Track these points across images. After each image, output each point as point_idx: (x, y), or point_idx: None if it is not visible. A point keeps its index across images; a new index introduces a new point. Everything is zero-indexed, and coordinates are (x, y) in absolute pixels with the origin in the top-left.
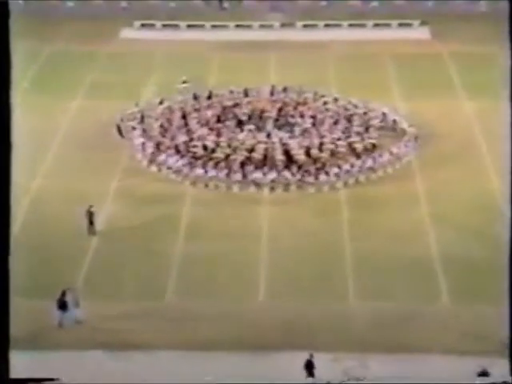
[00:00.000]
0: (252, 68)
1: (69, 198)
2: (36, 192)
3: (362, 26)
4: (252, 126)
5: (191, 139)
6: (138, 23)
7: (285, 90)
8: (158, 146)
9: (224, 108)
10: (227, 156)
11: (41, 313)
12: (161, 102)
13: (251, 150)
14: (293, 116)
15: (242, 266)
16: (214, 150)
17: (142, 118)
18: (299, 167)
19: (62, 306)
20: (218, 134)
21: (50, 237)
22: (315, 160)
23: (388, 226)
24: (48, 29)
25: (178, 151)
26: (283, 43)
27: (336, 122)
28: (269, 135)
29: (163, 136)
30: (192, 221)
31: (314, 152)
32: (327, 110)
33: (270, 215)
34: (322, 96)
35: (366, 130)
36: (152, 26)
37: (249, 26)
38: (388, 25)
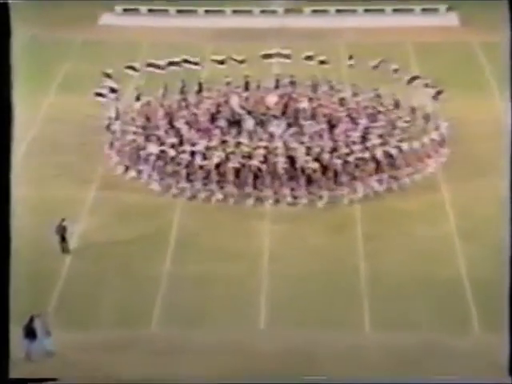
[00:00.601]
0: (252, 60)
1: (39, 209)
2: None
3: (380, 11)
4: (251, 126)
5: (175, 144)
6: (119, 7)
7: (292, 83)
8: (137, 151)
9: (218, 105)
10: (218, 164)
11: None
12: (138, 98)
13: (249, 157)
14: (300, 113)
15: (240, 290)
16: (204, 156)
17: (117, 116)
18: (307, 178)
19: (30, 333)
20: (209, 137)
21: (16, 254)
22: (326, 169)
23: (409, 244)
24: (15, 13)
25: (159, 158)
26: (288, 31)
27: (354, 122)
28: (271, 137)
29: (146, 139)
30: (180, 237)
31: (326, 158)
32: (344, 106)
33: (272, 231)
34: (339, 91)
35: (391, 131)
36: (136, 10)
37: (248, 12)
38: (410, 10)
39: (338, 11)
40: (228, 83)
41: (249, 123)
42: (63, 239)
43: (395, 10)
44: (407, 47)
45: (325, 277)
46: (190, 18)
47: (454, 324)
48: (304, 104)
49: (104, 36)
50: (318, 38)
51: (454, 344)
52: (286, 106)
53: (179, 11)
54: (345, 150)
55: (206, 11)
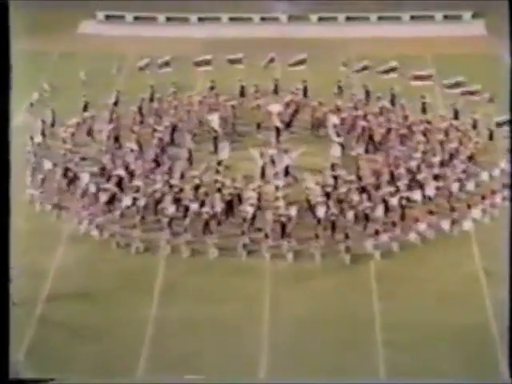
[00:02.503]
0: (251, 74)
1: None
2: None
3: (396, 19)
4: (225, 155)
5: (130, 173)
6: (101, 14)
7: (305, 89)
8: (69, 183)
9: (180, 119)
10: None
11: None
12: (85, 108)
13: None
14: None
15: (236, 335)
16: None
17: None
18: (317, 222)
19: None
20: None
21: None
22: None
23: (431, 285)
24: None
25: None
26: (292, 42)
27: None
28: (273, 162)
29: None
30: (168, 278)
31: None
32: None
33: (272, 270)
34: (379, 98)
35: (451, 158)
36: (121, 18)
37: (247, 20)
38: (430, 17)
39: (349, 19)
40: (212, 88)
41: (224, 151)
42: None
43: (413, 18)
44: (427, 60)
45: (333, 319)
46: (181, 26)
47: (480, 373)
48: (333, 119)
49: (83, 47)
50: (326, 49)
51: None
52: (293, 115)
53: (169, 19)
54: (388, 189)
55: (200, 19)
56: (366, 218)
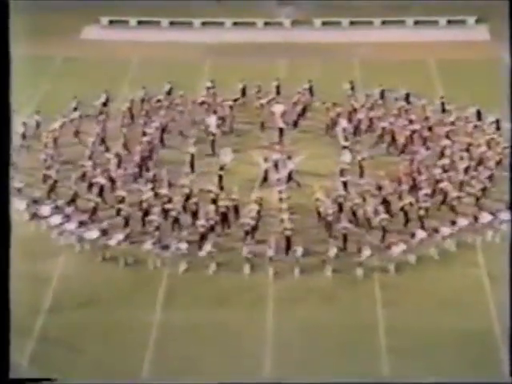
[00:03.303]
0: (254, 78)
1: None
2: None
3: (400, 23)
4: (227, 160)
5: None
6: (105, 19)
7: (310, 89)
8: (50, 191)
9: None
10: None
11: None
12: (75, 108)
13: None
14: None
15: (241, 338)
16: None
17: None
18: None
19: None
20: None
21: None
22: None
23: (433, 290)
24: None
25: (73, 201)
26: (296, 46)
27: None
28: (276, 166)
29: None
30: (172, 282)
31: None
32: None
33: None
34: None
35: (478, 164)
36: (124, 23)
37: (251, 24)
38: (434, 22)
39: (352, 23)
40: (209, 88)
41: (227, 156)
42: None
43: (417, 23)
44: (430, 65)
45: (336, 324)
46: (184, 31)
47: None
48: (343, 123)
49: (87, 52)
50: (329, 53)
51: None
52: (300, 115)
53: (172, 23)
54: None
55: (203, 23)
56: (384, 229)
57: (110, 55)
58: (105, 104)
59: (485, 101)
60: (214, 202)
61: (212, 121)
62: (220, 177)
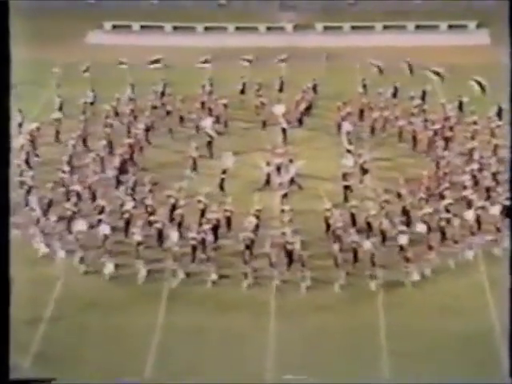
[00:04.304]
0: (256, 82)
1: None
2: None
3: (402, 28)
4: (229, 163)
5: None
6: (109, 24)
7: (314, 87)
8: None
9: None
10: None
11: None
12: (60, 108)
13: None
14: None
15: (243, 341)
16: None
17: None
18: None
19: None
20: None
21: None
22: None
23: (435, 295)
24: None
25: (49, 205)
26: (297, 50)
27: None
28: (278, 170)
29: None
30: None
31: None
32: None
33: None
34: (413, 98)
35: (494, 179)
36: (128, 27)
37: (253, 29)
38: (435, 27)
39: (354, 28)
40: (204, 86)
41: (228, 160)
42: None
43: (418, 27)
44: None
45: (339, 329)
46: (187, 35)
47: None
48: (346, 126)
49: (91, 56)
50: (331, 58)
51: None
52: (302, 114)
53: (176, 28)
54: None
55: (206, 28)
56: (401, 247)
57: (113, 60)
58: (92, 104)
59: (484, 106)
60: (202, 214)
61: (208, 123)
62: (222, 180)
